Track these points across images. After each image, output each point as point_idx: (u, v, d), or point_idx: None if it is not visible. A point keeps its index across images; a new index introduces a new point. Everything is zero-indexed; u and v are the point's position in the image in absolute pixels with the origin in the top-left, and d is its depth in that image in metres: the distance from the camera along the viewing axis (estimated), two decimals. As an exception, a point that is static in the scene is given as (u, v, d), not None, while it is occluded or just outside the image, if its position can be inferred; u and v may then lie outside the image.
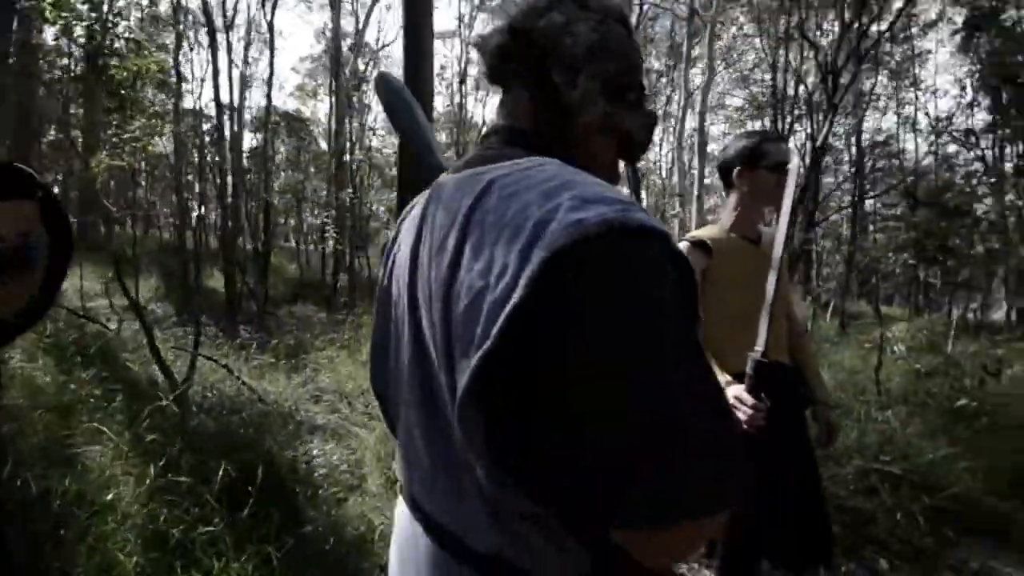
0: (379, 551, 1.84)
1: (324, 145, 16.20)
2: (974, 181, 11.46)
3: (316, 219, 14.35)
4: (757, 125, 13.58)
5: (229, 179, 10.83)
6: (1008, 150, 13.78)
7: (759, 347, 1.20)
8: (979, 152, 13.15)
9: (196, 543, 1.62)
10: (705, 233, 1.52)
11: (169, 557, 1.57)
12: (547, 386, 0.42)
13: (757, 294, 1.23)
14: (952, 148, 14.31)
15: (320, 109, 21.44)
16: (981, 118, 12.97)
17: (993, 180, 10.61)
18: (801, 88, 9.95)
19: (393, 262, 0.64)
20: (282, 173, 16.48)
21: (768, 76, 12.21)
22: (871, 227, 16.24)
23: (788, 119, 10.80)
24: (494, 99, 1.14)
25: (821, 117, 6.72)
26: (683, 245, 1.53)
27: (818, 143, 5.56)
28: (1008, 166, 13.09)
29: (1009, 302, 12.11)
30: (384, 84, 0.79)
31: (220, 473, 1.87)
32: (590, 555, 0.49)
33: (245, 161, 13.82)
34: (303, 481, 2.20)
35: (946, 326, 7.11)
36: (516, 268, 0.43)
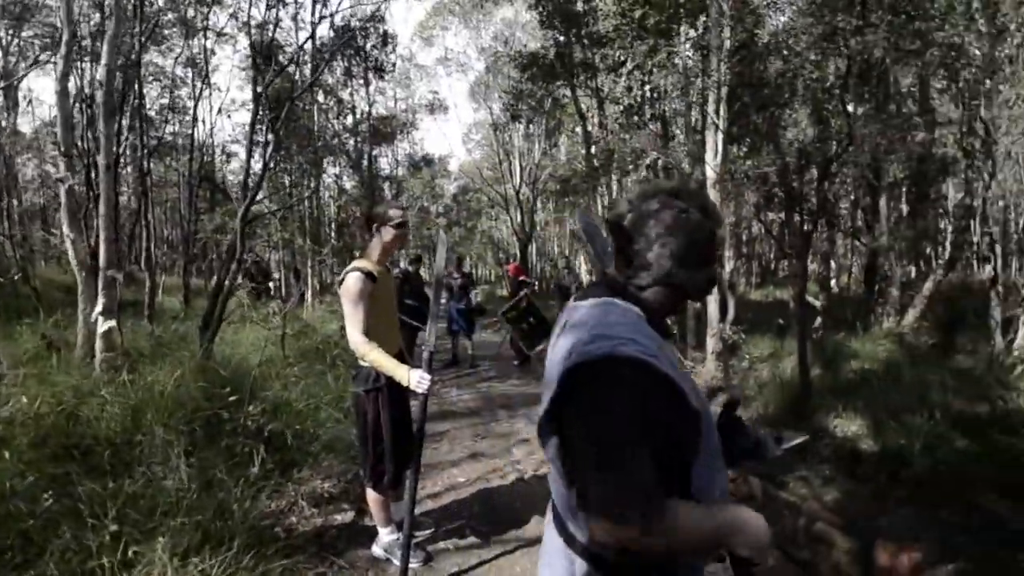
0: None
1: None
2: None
3: None
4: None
5: None
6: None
7: (430, 342, 2.16)
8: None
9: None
10: (369, 266, 2.26)
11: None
12: (565, 432, 0.89)
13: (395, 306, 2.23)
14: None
15: None
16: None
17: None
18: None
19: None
20: None
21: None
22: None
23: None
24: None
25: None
26: (356, 274, 2.19)
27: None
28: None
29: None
30: (582, 219, 1.29)
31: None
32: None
33: None
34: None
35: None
36: (560, 369, 0.88)
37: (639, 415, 0.80)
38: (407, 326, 7.24)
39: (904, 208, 8.77)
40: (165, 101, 14.12)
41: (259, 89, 5.18)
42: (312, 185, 13.36)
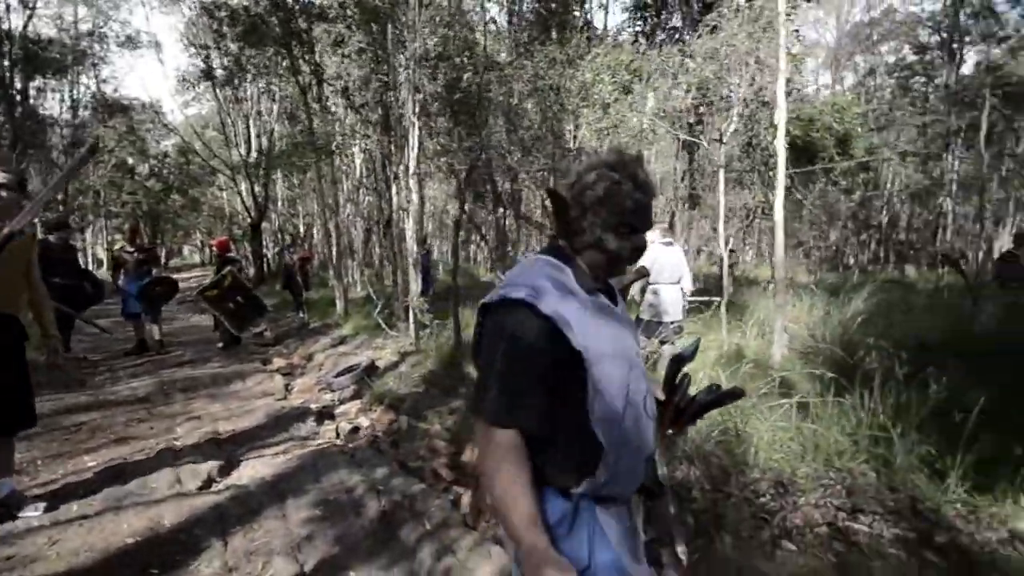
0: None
1: None
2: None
3: None
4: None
5: None
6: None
7: None
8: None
9: None
10: None
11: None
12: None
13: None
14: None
15: None
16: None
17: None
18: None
19: None
20: None
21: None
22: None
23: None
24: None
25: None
26: None
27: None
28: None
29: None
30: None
31: None
32: None
33: None
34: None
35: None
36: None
37: (521, 346, 0.95)
38: (59, 311, 5.95)
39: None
40: None
41: None
42: None
